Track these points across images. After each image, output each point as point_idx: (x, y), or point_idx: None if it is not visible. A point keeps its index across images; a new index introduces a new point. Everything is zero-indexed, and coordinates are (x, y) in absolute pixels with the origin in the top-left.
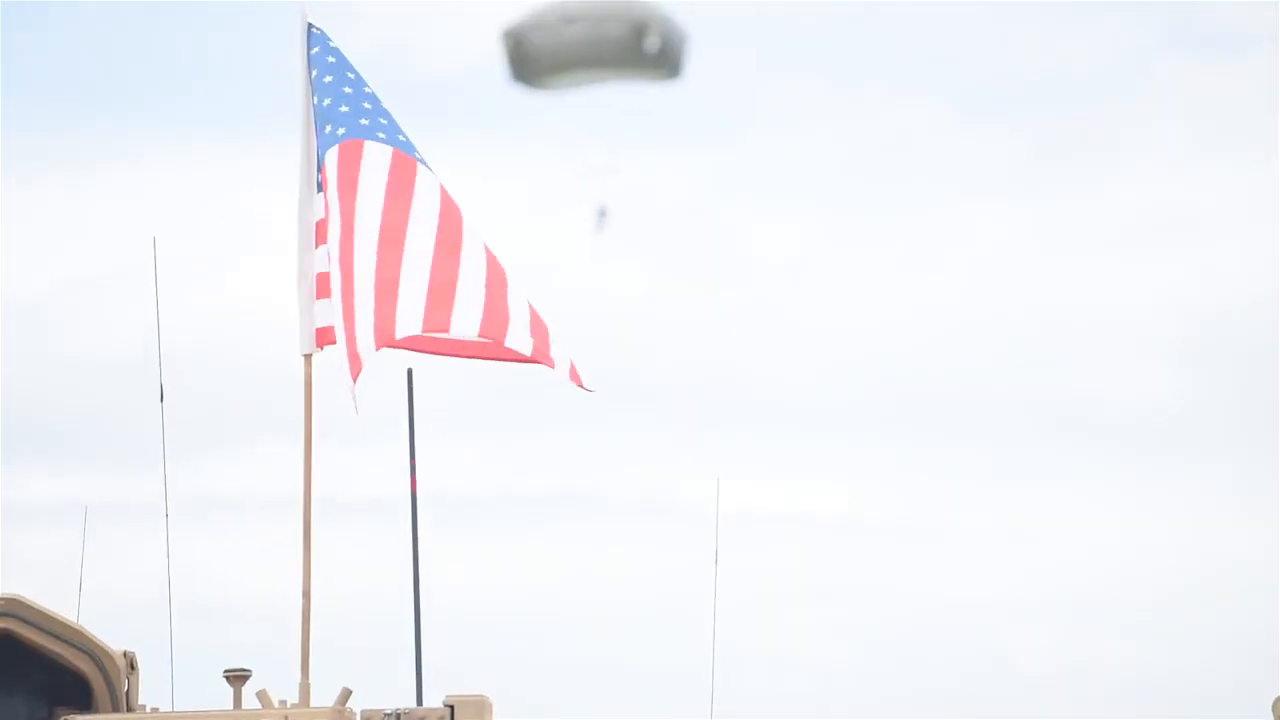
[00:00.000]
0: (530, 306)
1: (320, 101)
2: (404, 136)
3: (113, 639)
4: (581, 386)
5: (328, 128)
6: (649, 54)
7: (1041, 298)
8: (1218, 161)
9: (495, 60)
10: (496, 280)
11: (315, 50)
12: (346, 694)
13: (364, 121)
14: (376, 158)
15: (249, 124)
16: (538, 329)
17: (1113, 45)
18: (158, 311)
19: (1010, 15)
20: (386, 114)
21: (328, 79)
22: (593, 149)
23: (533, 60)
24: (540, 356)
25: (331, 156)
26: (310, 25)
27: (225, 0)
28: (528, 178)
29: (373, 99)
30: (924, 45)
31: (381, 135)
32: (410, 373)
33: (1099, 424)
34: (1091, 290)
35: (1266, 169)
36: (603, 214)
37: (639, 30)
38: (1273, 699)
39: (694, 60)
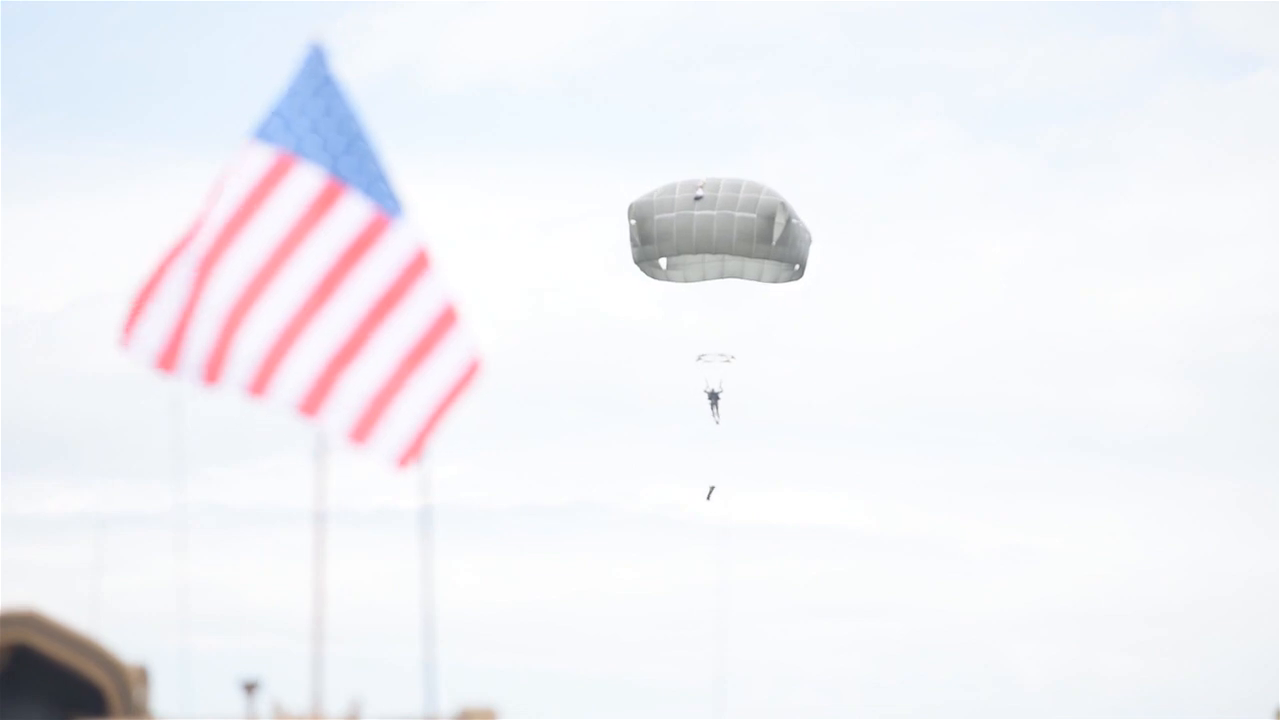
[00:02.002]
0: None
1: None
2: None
3: (127, 649)
4: (401, 465)
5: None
6: (776, 245)
7: (1050, 316)
8: (1223, 179)
9: (503, 78)
10: (352, 349)
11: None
12: (358, 703)
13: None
14: (301, 178)
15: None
16: (376, 407)
17: (1119, 65)
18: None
19: (1018, 35)
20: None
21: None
22: (704, 345)
23: (657, 240)
24: (357, 438)
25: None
26: (317, 48)
27: (238, 22)
28: (541, 194)
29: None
30: (933, 63)
31: (322, 160)
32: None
33: (1108, 441)
34: (1099, 308)
35: (1272, 187)
36: (712, 491)
37: (768, 219)
38: (1276, 709)
39: (704, 77)
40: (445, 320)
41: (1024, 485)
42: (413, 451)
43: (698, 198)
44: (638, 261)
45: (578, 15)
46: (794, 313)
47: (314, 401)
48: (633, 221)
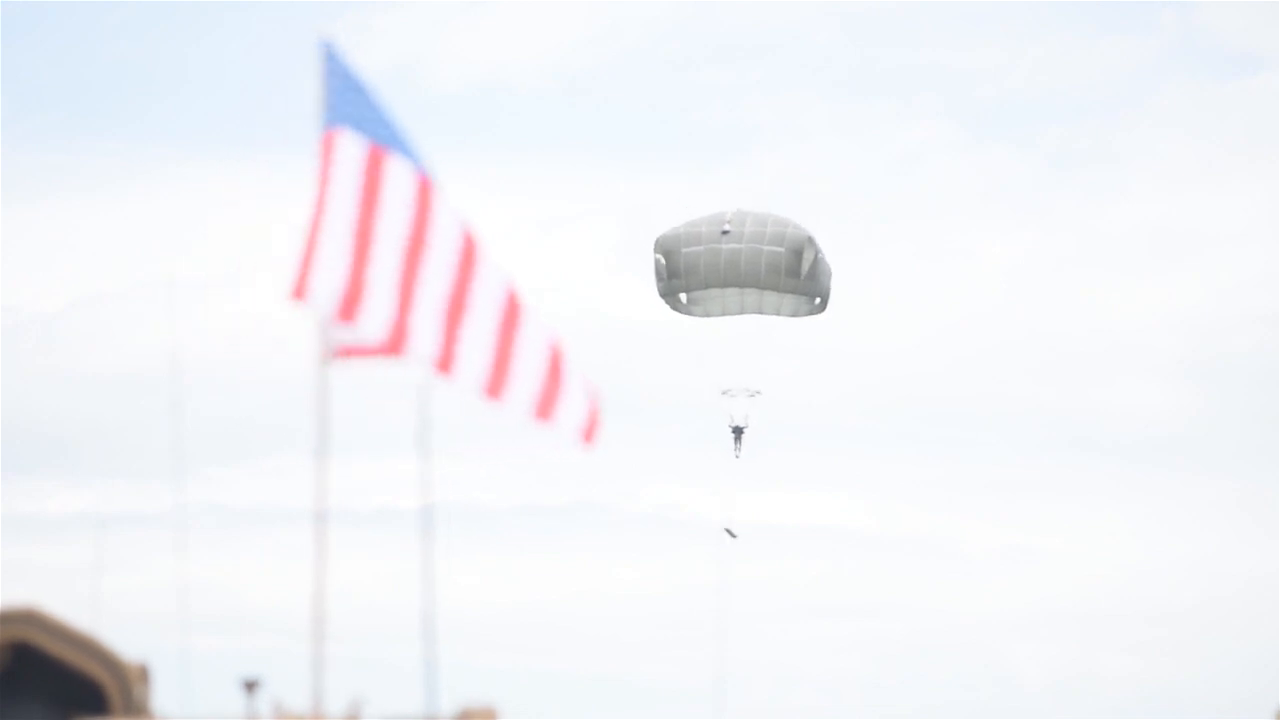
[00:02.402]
0: (552, 362)
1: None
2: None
3: (127, 649)
4: (587, 441)
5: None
6: (804, 280)
7: (1050, 316)
8: (1223, 179)
9: (503, 78)
10: (510, 328)
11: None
12: (358, 702)
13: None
14: (401, 171)
15: (259, 141)
16: (550, 386)
17: (1119, 65)
18: (174, 330)
19: (1018, 35)
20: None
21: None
22: (733, 375)
23: (684, 274)
24: (541, 416)
25: (353, 147)
26: (330, 49)
27: (238, 22)
28: (542, 193)
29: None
30: (933, 63)
31: (407, 154)
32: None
33: (1108, 441)
34: (1099, 308)
35: (1272, 187)
36: (732, 535)
37: (796, 253)
38: (1276, 709)
39: (704, 77)
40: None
41: (1024, 485)
42: (593, 427)
43: (725, 231)
44: (663, 295)
45: (578, 15)
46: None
47: (496, 385)
48: (659, 255)
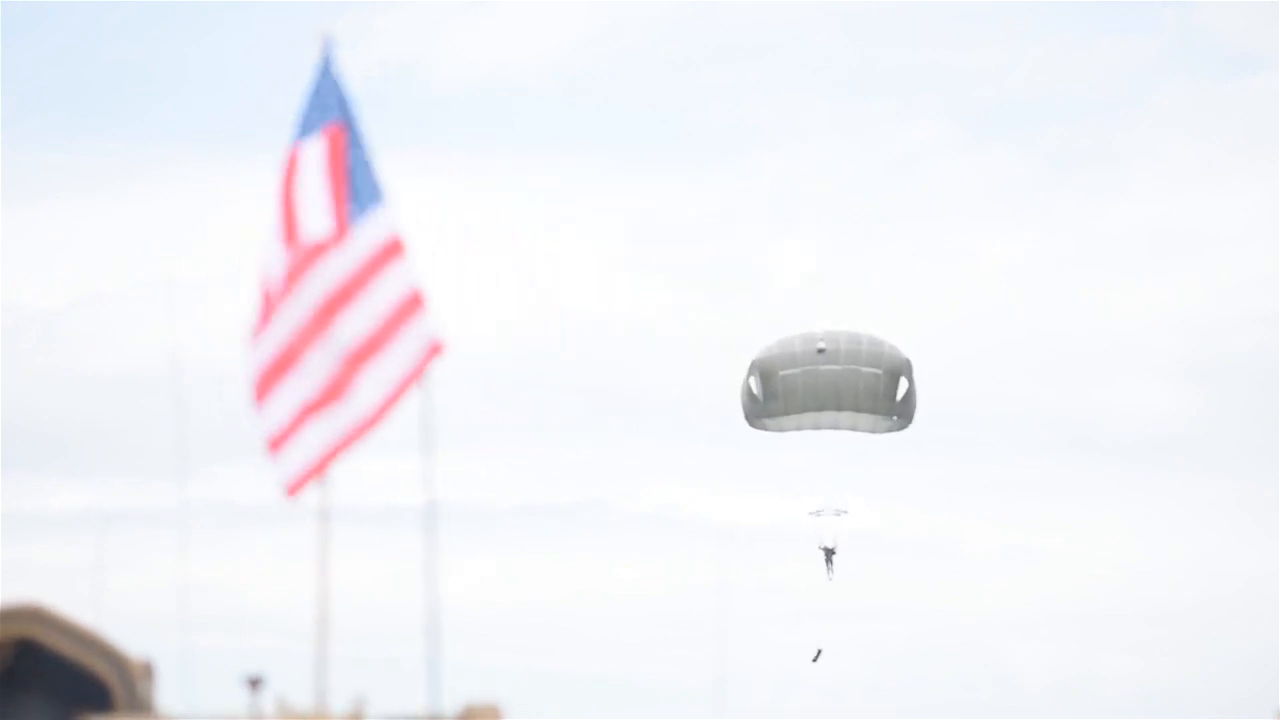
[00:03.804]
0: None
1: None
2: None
3: (130, 645)
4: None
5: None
6: (896, 403)
7: (1050, 316)
8: (1223, 179)
9: (503, 78)
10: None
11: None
12: (362, 700)
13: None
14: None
15: (259, 141)
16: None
17: (1119, 65)
18: (174, 329)
19: (1018, 35)
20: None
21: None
22: (822, 489)
23: (782, 396)
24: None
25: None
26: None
27: (238, 22)
28: (542, 193)
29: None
30: (933, 63)
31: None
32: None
33: (1108, 441)
34: (1099, 308)
35: (1272, 187)
36: (818, 654)
37: (894, 376)
38: (1276, 709)
39: (704, 77)
40: (410, 306)
41: (1024, 485)
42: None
43: (820, 350)
44: (750, 417)
45: (578, 15)
46: (794, 314)
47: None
48: (754, 378)
